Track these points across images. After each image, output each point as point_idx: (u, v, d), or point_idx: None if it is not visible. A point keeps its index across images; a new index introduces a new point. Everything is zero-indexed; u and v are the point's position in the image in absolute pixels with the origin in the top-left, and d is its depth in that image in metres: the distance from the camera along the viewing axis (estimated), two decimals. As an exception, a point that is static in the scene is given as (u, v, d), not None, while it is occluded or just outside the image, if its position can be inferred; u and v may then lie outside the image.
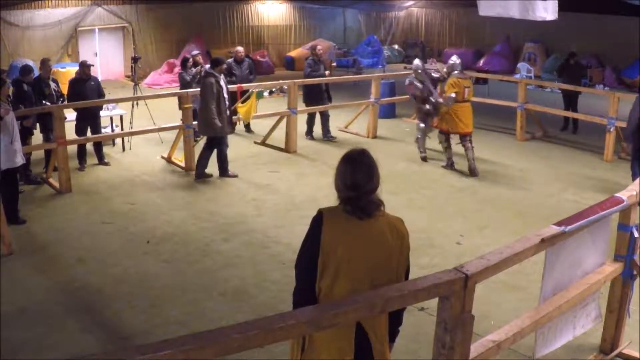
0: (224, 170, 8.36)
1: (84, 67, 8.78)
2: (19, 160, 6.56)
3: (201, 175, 8.25)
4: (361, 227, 2.53)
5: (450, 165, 8.83)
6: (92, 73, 9.02)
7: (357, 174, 2.53)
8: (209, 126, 7.92)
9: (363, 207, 2.53)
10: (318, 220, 2.57)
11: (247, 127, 11.17)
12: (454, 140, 8.80)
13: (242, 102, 9.32)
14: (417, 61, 9.33)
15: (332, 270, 2.51)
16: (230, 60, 10.86)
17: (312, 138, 10.63)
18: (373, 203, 2.56)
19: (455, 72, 8.60)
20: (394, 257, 2.58)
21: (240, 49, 11.14)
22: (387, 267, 2.56)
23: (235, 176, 8.34)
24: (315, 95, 10.33)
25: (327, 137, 10.60)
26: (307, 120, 10.71)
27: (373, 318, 2.53)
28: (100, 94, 8.91)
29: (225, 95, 8.01)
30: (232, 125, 8.61)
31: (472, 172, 8.57)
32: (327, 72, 11.07)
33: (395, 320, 2.75)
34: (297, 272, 2.65)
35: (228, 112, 8.12)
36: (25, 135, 8.03)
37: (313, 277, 2.55)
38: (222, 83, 7.96)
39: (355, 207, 2.53)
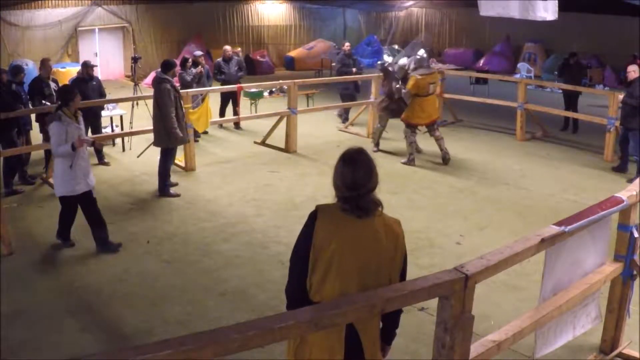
0: (165, 186, 7.65)
1: (87, 67, 8.78)
2: (81, 187, 5.74)
3: (169, 193, 7.59)
4: (355, 225, 2.53)
5: (410, 161, 9.06)
6: (93, 73, 9.03)
7: (357, 173, 2.53)
8: (170, 136, 7.31)
9: (362, 206, 2.53)
10: (312, 216, 2.59)
11: (237, 125, 11.25)
12: (422, 130, 9.37)
13: (193, 108, 8.66)
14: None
15: (323, 267, 2.51)
16: (219, 59, 11.20)
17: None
18: (372, 202, 2.56)
19: (420, 69, 8.94)
20: (386, 257, 2.56)
21: (227, 47, 11.41)
22: (378, 267, 2.55)
23: (177, 195, 7.57)
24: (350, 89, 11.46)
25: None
26: (345, 111, 11.86)
27: (364, 318, 2.52)
28: (102, 94, 8.91)
29: (181, 102, 7.52)
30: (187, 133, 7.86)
31: (445, 161, 9.06)
32: (354, 70, 11.68)
33: (391, 323, 2.75)
34: (290, 266, 2.67)
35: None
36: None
37: (304, 272, 2.55)
38: (177, 88, 7.56)
39: (354, 206, 2.53)
